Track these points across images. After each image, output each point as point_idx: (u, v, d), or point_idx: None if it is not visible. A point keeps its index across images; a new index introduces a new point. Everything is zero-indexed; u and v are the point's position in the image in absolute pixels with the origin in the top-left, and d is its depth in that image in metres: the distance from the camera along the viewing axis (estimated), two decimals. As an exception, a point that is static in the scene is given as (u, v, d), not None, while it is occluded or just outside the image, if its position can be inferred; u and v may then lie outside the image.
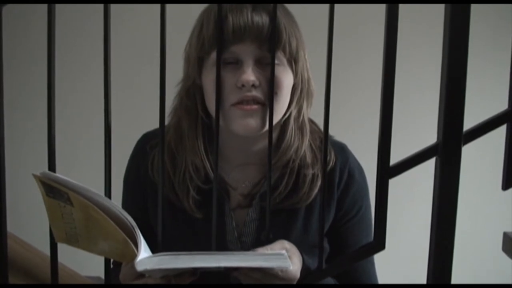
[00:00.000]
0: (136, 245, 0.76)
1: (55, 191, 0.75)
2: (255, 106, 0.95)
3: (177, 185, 1.03)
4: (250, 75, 0.93)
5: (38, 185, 0.75)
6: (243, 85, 0.93)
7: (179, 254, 0.76)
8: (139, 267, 0.73)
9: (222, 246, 1.03)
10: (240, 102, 0.95)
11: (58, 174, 0.74)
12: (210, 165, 1.02)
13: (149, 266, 0.73)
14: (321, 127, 1.09)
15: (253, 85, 0.93)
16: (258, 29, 0.92)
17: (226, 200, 1.05)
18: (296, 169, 1.04)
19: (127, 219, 0.76)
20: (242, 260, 0.76)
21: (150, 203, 1.08)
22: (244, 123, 0.96)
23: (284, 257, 0.77)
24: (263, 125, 0.97)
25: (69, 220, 0.78)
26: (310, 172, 1.04)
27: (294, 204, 1.03)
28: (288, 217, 1.04)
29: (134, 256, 0.77)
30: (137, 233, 0.76)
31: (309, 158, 1.05)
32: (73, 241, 0.81)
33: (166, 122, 0.99)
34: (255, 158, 1.05)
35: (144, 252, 0.77)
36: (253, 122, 0.96)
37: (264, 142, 0.98)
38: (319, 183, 1.03)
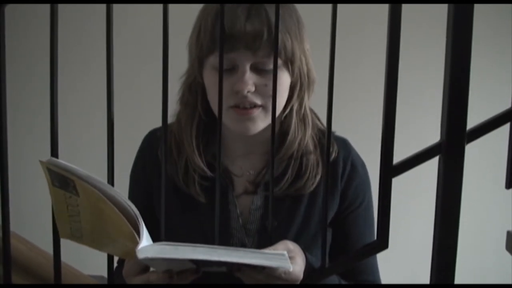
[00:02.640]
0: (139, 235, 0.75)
1: (61, 180, 0.74)
2: (251, 110, 0.97)
3: (181, 172, 1.05)
4: (245, 82, 0.95)
5: (45, 173, 0.75)
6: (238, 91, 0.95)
7: (180, 245, 0.76)
8: (140, 255, 0.72)
9: (227, 233, 1.04)
10: (237, 106, 0.97)
11: (65, 162, 0.74)
12: (202, 160, 1.04)
13: (150, 254, 0.72)
14: (324, 121, 1.10)
15: (248, 91, 0.95)
16: (251, 38, 0.93)
17: (230, 188, 1.06)
18: (299, 157, 1.06)
19: (131, 207, 0.75)
20: (243, 257, 0.75)
21: (155, 197, 1.08)
22: (242, 126, 0.99)
23: (285, 257, 0.77)
24: (262, 125, 1.00)
25: (74, 213, 0.78)
26: (312, 158, 1.05)
27: (299, 190, 1.05)
28: (292, 203, 1.05)
29: None
30: (140, 223, 0.75)
31: (311, 145, 1.07)
32: (77, 237, 0.81)
33: (169, 120, 1.00)
34: (258, 147, 1.07)
35: (146, 241, 0.77)
36: (251, 125, 0.99)
37: (267, 132, 0.98)
38: (321, 169, 1.05)
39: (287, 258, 0.77)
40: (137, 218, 0.75)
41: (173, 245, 0.74)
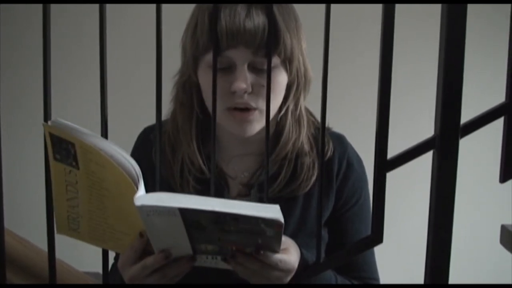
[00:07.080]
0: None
1: (62, 149, 0.75)
2: (248, 113, 0.96)
3: (176, 174, 1.04)
4: (242, 82, 0.93)
5: (47, 142, 0.75)
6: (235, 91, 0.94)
7: (177, 195, 0.76)
8: (138, 202, 0.73)
9: None
10: (234, 108, 0.96)
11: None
12: (203, 160, 1.04)
13: (146, 201, 0.73)
14: (318, 119, 1.09)
15: (245, 92, 0.94)
16: (251, 35, 0.91)
17: (225, 189, 1.06)
18: (294, 158, 1.05)
19: (130, 163, 0.76)
20: (235, 208, 0.75)
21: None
22: (240, 129, 0.98)
23: (277, 210, 0.76)
24: (259, 126, 0.98)
25: (72, 195, 0.79)
26: (307, 159, 1.04)
27: (293, 191, 1.04)
28: (287, 204, 1.04)
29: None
30: (139, 176, 0.76)
31: (306, 146, 1.06)
32: (74, 229, 0.82)
33: (163, 118, 1.00)
34: (253, 148, 1.06)
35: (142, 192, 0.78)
36: (248, 127, 0.98)
37: (263, 133, 0.98)
38: (316, 170, 1.04)
39: (279, 211, 0.76)
40: (137, 173, 0.76)
41: (170, 194, 0.75)
